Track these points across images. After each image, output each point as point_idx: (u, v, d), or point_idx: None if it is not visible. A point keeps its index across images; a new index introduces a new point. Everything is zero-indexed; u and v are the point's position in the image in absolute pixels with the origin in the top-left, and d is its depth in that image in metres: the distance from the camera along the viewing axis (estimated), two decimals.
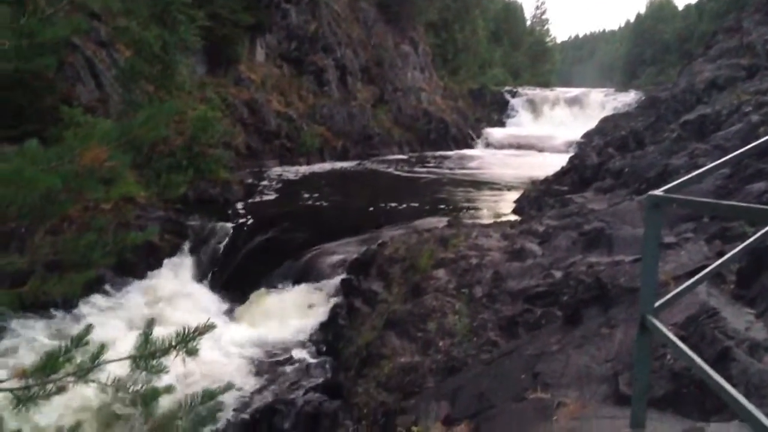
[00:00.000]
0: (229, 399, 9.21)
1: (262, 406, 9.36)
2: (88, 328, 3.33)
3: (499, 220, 13.19)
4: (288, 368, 10.33)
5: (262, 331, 10.96)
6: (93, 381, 2.91)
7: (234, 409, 9.24)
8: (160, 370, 2.95)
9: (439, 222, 13.14)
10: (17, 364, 3.51)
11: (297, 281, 11.83)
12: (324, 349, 10.74)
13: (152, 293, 11.35)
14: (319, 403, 9.44)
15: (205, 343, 3.30)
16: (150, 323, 3.15)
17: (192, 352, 3.07)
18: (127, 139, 2.55)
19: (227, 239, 13.06)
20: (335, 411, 9.08)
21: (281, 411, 9.29)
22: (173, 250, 12.41)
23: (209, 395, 3.39)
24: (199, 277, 12.39)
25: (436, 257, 10.82)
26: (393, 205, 15.16)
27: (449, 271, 10.33)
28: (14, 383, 2.95)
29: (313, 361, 10.62)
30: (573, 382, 5.53)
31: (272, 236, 13.21)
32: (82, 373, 2.99)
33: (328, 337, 10.83)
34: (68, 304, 10.38)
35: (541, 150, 23.82)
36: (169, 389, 2.97)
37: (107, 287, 11.23)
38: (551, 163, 16.94)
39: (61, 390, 3.12)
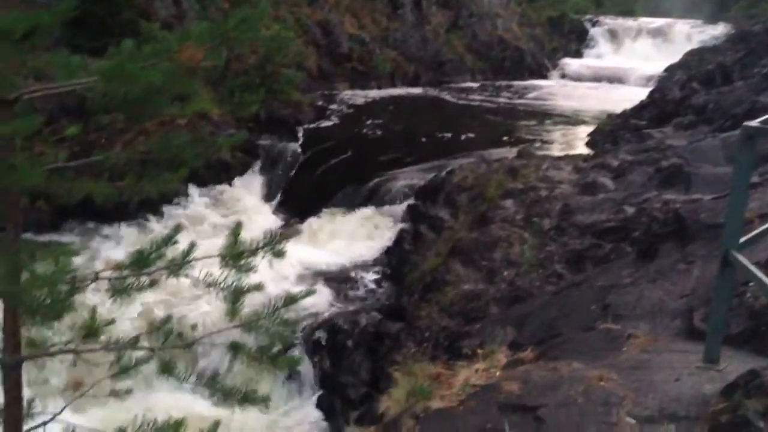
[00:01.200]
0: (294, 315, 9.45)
1: (326, 324, 9.63)
2: (177, 228, 3.44)
3: (571, 153, 12.89)
4: (352, 289, 10.56)
5: (328, 252, 11.17)
6: (185, 275, 3.02)
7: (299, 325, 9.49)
8: (249, 269, 3.04)
9: (509, 152, 12.94)
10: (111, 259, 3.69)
11: (364, 205, 11.93)
12: (388, 272, 10.91)
13: (223, 209, 11.67)
14: (381, 324, 9.65)
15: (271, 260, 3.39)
16: (238, 226, 3.24)
17: (279, 255, 3.15)
18: (222, 40, 2.55)
19: (296, 160, 13.20)
20: (397, 332, 9.27)
21: (345, 329, 9.55)
22: (244, 169, 12.66)
23: (291, 299, 3.49)
24: (268, 196, 12.63)
25: (504, 187, 10.72)
26: (463, 133, 14.97)
27: (517, 201, 10.24)
28: (111, 274, 3.09)
29: (376, 283, 10.82)
30: (645, 315, 5.46)
31: (341, 159, 13.28)
32: (174, 269, 3.11)
33: (393, 261, 10.99)
34: (148, 214, 10.81)
35: (620, 83, 22.91)
36: (258, 287, 3.07)
37: (181, 201, 11.59)
38: (630, 97, 16.32)
39: (153, 284, 3.27)
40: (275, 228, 3.24)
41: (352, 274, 10.65)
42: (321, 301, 10.06)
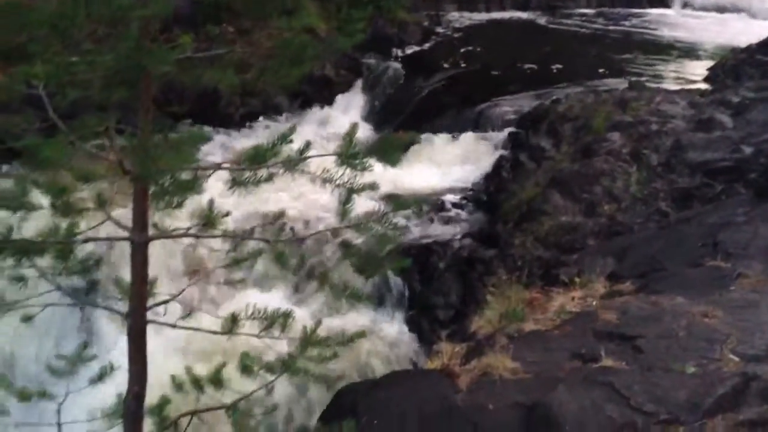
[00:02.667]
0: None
1: (419, 245, 9.72)
2: (293, 128, 3.51)
3: (687, 87, 12.19)
4: (446, 213, 10.56)
5: (425, 174, 11.17)
6: (302, 170, 3.09)
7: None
8: (365, 168, 3.08)
9: (620, 84, 12.37)
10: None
11: (464, 130, 11.79)
12: (484, 199, 10.84)
13: (325, 124, 11.81)
14: (474, 249, 9.66)
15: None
16: (354, 126, 3.27)
17: (393, 162, 3.18)
18: None
19: (399, 81, 13.11)
20: (490, 259, 9.27)
21: (437, 251, 9.62)
22: (347, 87, 12.69)
23: (400, 204, 3.53)
24: (369, 116, 12.65)
25: (612, 119, 10.32)
26: (571, 61, 14.40)
27: (624, 135, 9.84)
28: (231, 166, 3.21)
29: (471, 209, 10.78)
30: (758, 255, 5.23)
31: (443, 83, 13.08)
32: (291, 164, 3.18)
33: (490, 188, 10.89)
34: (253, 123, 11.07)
35: (748, 15, 21.21)
36: (373, 186, 3.12)
37: (284, 115, 11.81)
38: (757, 32, 15.13)
39: (270, 178, 3.37)
40: (390, 132, 3.25)
41: (448, 198, 10.63)
42: (415, 222, 10.12)
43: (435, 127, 11.80)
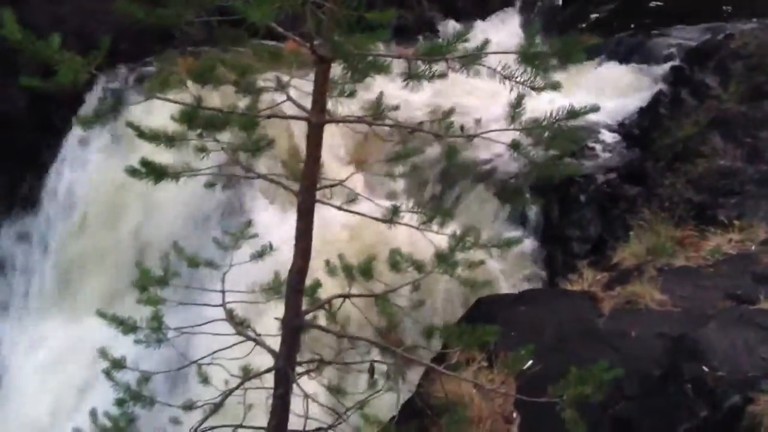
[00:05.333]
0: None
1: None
2: (468, 28, 3.46)
3: None
4: (594, 144, 10.16)
5: (577, 101, 10.72)
6: (481, 65, 3.06)
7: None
8: (546, 69, 3.01)
9: None
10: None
11: (623, 60, 11.17)
12: (635, 133, 10.32)
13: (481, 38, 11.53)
14: (618, 185, 9.30)
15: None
16: (535, 23, 3.17)
17: (577, 61, 3.08)
18: None
19: (556, 4, 12.55)
20: (634, 196, 8.90)
21: (579, 183, 9.33)
22: (503, 4, 12.32)
23: (573, 112, 3.43)
24: (524, 38, 12.23)
25: None
26: None
27: None
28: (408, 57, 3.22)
29: (620, 143, 10.31)
30: None
31: (605, 9, 12.39)
32: (468, 60, 3.15)
33: (643, 123, 10.33)
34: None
35: None
36: (555, 85, 3.04)
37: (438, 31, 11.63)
38: None
39: (444, 74, 3.36)
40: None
41: (597, 129, 10.20)
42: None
43: (593, 54, 11.23)
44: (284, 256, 4.08)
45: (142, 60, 9.26)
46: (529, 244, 9.16)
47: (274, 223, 6.00)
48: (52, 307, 8.52)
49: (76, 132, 8.71)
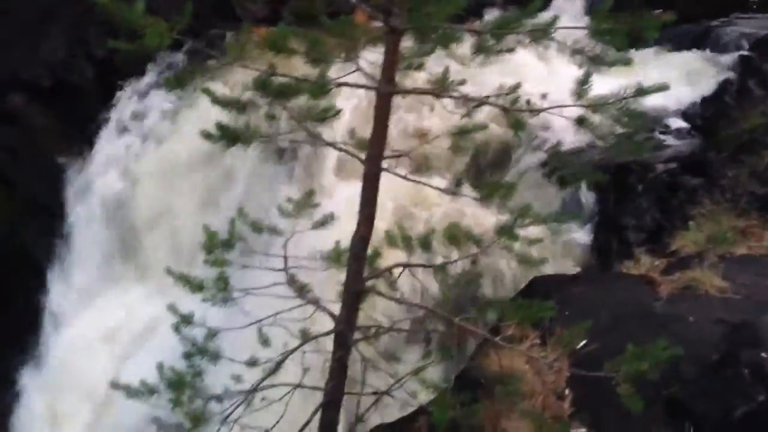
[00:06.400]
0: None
1: (618, 162, 9.32)
2: (541, 1, 3.48)
3: None
4: (655, 132, 9.97)
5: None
6: (551, 39, 3.08)
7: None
8: (616, 47, 3.02)
9: None
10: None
11: (689, 47, 10.90)
12: (698, 123, 10.09)
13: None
14: (678, 175, 9.11)
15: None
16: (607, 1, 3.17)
17: (649, 37, 3.08)
18: None
19: None
20: (694, 187, 8.72)
21: (637, 172, 9.17)
22: None
23: (641, 90, 3.43)
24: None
25: None
26: None
27: None
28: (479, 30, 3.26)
29: (681, 132, 10.09)
30: None
31: None
32: (538, 35, 3.17)
33: (707, 113, 10.09)
34: None
35: None
36: (626, 61, 3.05)
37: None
38: None
39: (511, 49, 3.39)
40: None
41: (659, 117, 9.99)
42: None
43: (658, 40, 10.99)
44: (345, 226, 4.19)
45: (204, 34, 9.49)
46: (582, 231, 9.10)
47: (337, 193, 6.11)
48: (112, 271, 8.83)
49: (134, 102, 9.03)
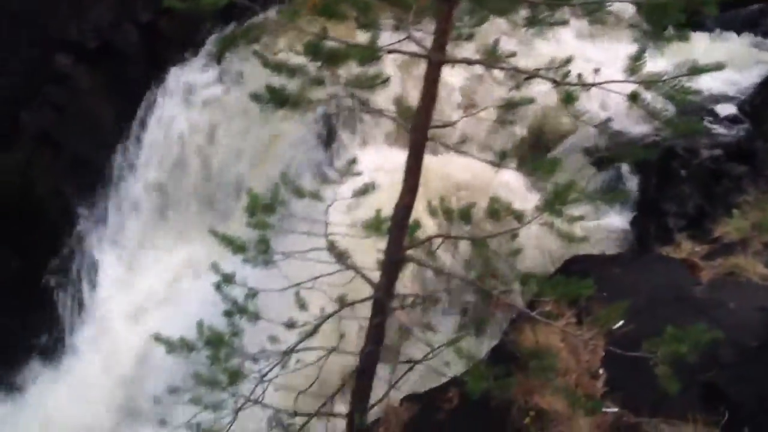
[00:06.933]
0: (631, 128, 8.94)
1: (662, 146, 9.16)
2: None
3: None
4: (703, 117, 9.75)
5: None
6: (607, 12, 3.03)
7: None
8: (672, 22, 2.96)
9: None
10: None
11: (739, 31, 10.62)
12: (747, 110, 9.85)
13: None
14: (723, 163, 8.93)
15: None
16: None
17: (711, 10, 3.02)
18: None
19: None
20: (739, 176, 8.55)
21: (681, 157, 9.00)
22: None
23: (696, 69, 3.36)
24: None
25: None
26: None
27: None
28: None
29: (729, 120, 9.86)
30: None
31: None
32: (591, 8, 3.12)
33: (756, 100, 9.84)
34: None
35: None
36: (681, 36, 3.00)
37: None
38: None
39: (565, 21, 3.35)
40: None
41: (708, 102, 9.77)
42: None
43: (699, 24, 10.70)
44: (385, 196, 4.21)
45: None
46: (621, 215, 8.99)
47: (379, 163, 6.12)
48: (153, 231, 9.01)
49: (179, 69, 9.15)
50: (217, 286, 4.10)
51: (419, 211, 4.27)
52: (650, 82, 3.26)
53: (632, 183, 9.04)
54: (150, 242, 9.02)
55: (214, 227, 4.58)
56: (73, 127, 9.72)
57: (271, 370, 4.09)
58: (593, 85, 3.34)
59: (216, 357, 4.07)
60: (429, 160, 3.99)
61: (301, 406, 4.23)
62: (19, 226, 9.26)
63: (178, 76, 9.19)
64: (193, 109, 8.86)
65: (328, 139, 6.70)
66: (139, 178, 9.22)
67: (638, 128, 7.27)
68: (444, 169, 5.32)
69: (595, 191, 3.83)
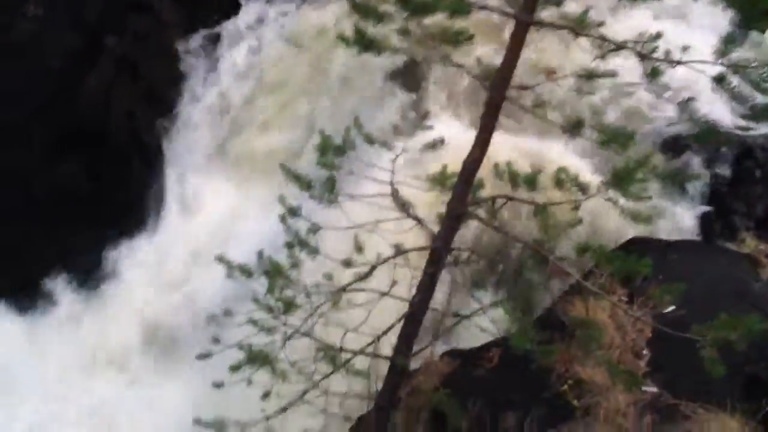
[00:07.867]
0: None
1: (736, 142, 8.89)
2: None
3: None
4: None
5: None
6: None
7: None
8: None
9: None
10: None
11: None
12: None
13: None
14: None
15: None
16: None
17: None
18: None
19: None
20: None
21: (757, 158, 8.74)
22: None
23: None
24: None
25: None
26: None
27: None
28: None
29: None
30: None
31: None
32: None
33: None
34: None
35: None
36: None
37: None
38: None
39: None
40: None
41: None
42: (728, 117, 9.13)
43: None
44: (452, 154, 4.26)
45: None
46: (687, 209, 8.80)
47: (451, 122, 6.14)
48: (219, 165, 9.25)
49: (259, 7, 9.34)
50: (282, 218, 4.25)
51: (485, 174, 4.32)
52: (740, 66, 3.20)
53: (702, 177, 8.84)
54: (213, 176, 9.26)
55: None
56: (153, 56, 10.02)
57: (323, 304, 4.23)
58: (680, 62, 3.30)
59: (273, 287, 4.23)
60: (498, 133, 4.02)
61: (347, 344, 4.38)
62: (95, 148, 9.66)
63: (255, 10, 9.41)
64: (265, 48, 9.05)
65: (405, 90, 6.76)
66: (210, 111, 9.46)
67: (719, 116, 7.05)
68: (513, 138, 5.34)
69: (668, 170, 3.77)
